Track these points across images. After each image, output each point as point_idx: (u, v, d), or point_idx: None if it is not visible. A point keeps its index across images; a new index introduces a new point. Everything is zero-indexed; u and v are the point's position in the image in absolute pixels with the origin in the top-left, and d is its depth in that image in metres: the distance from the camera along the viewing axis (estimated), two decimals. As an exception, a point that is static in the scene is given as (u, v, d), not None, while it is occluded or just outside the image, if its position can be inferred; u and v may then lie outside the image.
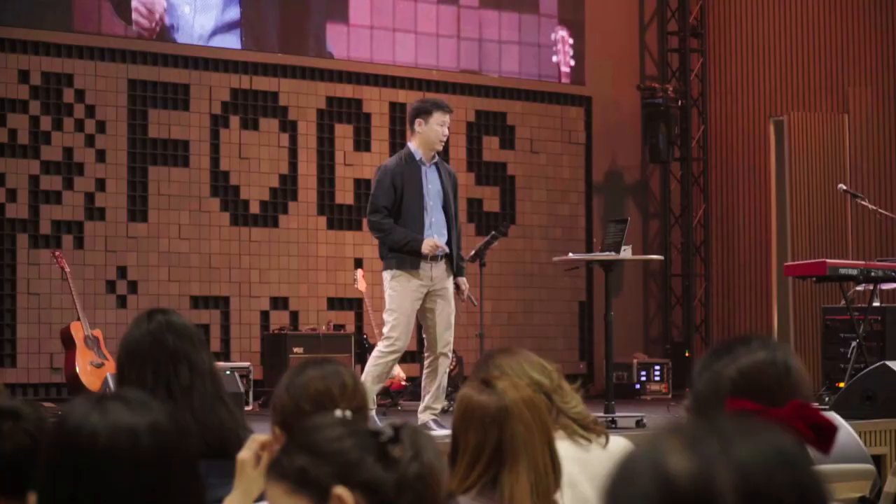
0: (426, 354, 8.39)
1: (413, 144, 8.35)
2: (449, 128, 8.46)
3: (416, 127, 8.30)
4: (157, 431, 1.96)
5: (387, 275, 8.36)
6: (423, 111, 8.31)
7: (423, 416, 8.28)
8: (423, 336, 8.48)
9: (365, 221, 12.75)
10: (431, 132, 8.27)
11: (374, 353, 8.35)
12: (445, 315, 8.33)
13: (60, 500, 1.95)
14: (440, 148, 8.39)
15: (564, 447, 3.43)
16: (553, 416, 3.53)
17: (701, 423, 1.42)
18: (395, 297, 8.27)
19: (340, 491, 1.95)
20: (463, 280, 8.43)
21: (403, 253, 8.21)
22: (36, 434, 2.91)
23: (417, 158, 8.32)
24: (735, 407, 2.22)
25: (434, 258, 8.26)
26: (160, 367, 3.65)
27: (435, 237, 8.27)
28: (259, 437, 3.10)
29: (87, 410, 1.99)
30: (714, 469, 1.35)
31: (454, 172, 8.68)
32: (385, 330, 8.29)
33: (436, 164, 8.40)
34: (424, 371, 8.40)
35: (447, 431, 3.63)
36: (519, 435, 3.00)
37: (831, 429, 2.25)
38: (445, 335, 8.32)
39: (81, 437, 1.97)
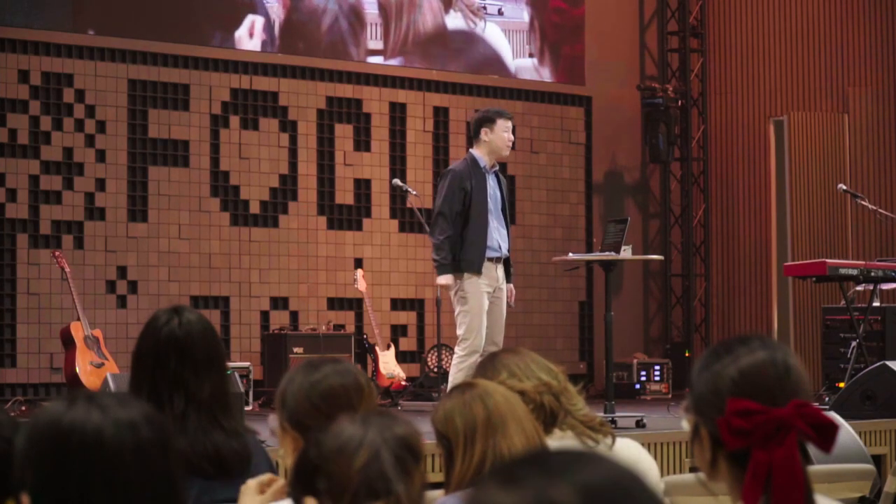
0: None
1: (478, 152, 8.53)
2: (514, 132, 8.69)
3: (483, 136, 8.49)
4: (136, 427, 1.96)
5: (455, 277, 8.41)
6: (487, 120, 8.52)
7: None
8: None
9: (365, 222, 12.81)
10: (498, 139, 8.48)
11: (454, 360, 8.42)
12: (499, 317, 8.52)
13: (57, 498, 1.95)
14: (507, 153, 8.62)
15: (573, 446, 3.43)
16: (561, 417, 3.55)
17: (517, 463, 1.40)
18: (468, 299, 8.38)
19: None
20: (511, 286, 8.67)
21: (449, 260, 8.35)
22: (13, 439, 2.92)
23: (482, 165, 8.51)
24: (736, 407, 2.23)
25: (494, 259, 8.46)
26: (157, 390, 3.59)
27: (497, 240, 8.50)
28: (273, 478, 3.11)
29: (76, 409, 1.98)
30: (547, 496, 1.34)
31: (503, 179, 8.86)
32: (459, 333, 8.38)
33: (495, 171, 8.61)
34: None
35: None
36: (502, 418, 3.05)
37: (832, 428, 2.25)
38: (497, 338, 8.47)
39: (63, 432, 1.96)
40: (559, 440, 3.55)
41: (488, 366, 3.59)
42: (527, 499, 1.34)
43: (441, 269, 8.42)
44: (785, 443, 2.22)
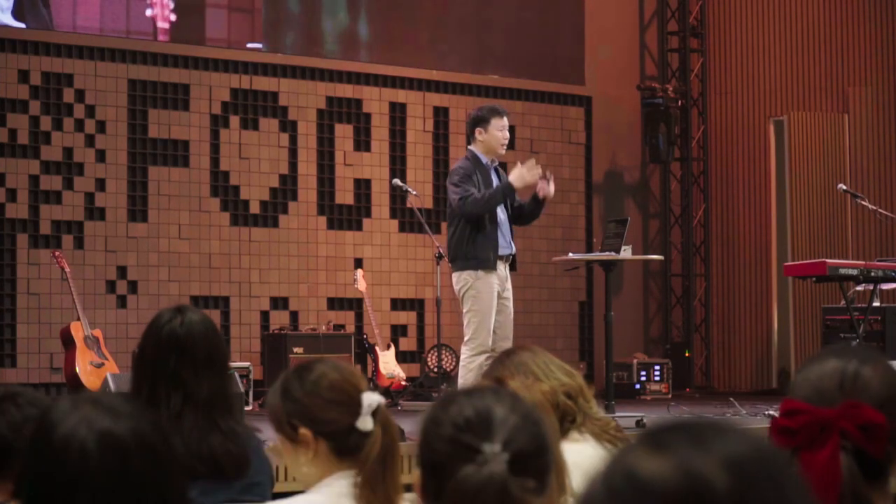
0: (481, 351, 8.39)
1: (476, 149, 8.48)
2: (510, 129, 8.69)
3: (477, 136, 8.45)
4: (139, 437, 1.94)
5: (468, 276, 8.33)
6: (481, 120, 8.47)
7: None
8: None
9: (365, 222, 12.81)
10: (493, 139, 8.43)
11: (462, 360, 8.29)
12: (507, 316, 8.47)
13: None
14: (502, 152, 8.56)
15: (590, 449, 3.40)
16: (580, 420, 3.49)
17: (667, 429, 1.40)
18: (479, 298, 8.30)
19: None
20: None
21: (496, 202, 8.25)
22: (27, 415, 2.93)
23: (484, 162, 8.47)
24: (785, 407, 2.16)
25: (505, 257, 8.41)
26: (155, 388, 3.59)
27: (507, 236, 8.45)
28: None
29: (68, 416, 1.96)
30: (694, 467, 1.34)
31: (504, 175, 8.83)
32: (467, 332, 8.29)
33: (496, 167, 8.58)
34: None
35: None
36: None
37: (881, 429, 2.11)
38: (503, 344, 8.35)
39: (58, 442, 1.94)
40: (577, 443, 3.45)
41: (506, 362, 3.49)
42: (672, 467, 1.34)
43: (502, 189, 8.27)
44: (828, 444, 2.10)
